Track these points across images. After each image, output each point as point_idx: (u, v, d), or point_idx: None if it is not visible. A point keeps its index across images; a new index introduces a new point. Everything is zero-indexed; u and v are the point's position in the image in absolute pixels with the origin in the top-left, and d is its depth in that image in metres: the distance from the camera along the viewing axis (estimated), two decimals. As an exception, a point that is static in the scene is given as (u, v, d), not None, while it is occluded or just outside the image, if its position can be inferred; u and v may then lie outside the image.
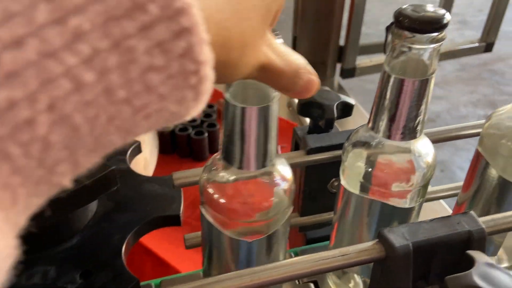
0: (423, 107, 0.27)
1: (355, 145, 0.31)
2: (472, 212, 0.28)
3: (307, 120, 0.40)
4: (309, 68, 0.22)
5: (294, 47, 1.18)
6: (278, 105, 0.25)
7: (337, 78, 1.11)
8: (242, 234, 0.28)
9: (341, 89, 1.08)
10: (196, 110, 0.14)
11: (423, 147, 0.30)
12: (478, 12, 2.19)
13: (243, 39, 0.17)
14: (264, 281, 0.26)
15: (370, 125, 0.30)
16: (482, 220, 0.28)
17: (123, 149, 0.45)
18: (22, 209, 0.12)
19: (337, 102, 0.38)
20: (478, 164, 0.34)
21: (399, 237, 0.27)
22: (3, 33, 0.10)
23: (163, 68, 0.12)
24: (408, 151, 0.30)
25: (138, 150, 0.47)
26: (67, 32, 0.11)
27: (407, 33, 0.25)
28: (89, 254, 0.35)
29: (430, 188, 0.41)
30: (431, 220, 0.28)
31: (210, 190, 0.28)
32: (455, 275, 0.25)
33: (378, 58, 1.16)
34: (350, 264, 0.27)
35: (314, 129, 0.39)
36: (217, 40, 0.15)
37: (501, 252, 0.38)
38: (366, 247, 0.27)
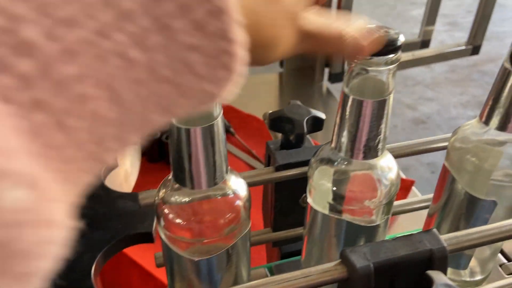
0: (382, 126, 0.27)
1: (320, 163, 0.31)
2: (435, 230, 0.28)
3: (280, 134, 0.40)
4: (352, 29, 0.23)
5: (282, 52, 1.19)
6: (222, 123, 0.25)
7: (325, 83, 1.11)
8: (200, 252, 0.28)
9: (329, 94, 1.08)
10: (229, 91, 0.15)
11: (386, 164, 0.30)
12: (467, 13, 2.20)
13: (273, 22, 0.18)
14: (225, 305, 0.26)
15: (333, 144, 0.30)
16: (444, 238, 0.28)
17: (98, 164, 0.45)
18: (72, 185, 0.13)
19: (307, 117, 0.38)
20: (446, 179, 0.34)
21: (360, 257, 0.27)
22: (62, 13, 0.11)
23: (200, 47, 0.13)
24: (371, 169, 0.30)
25: (114, 164, 0.47)
26: (115, 12, 0.12)
27: (361, 55, 0.25)
28: (56, 274, 0.34)
29: (402, 201, 0.41)
30: (394, 239, 0.28)
31: (165, 211, 0.28)
32: (412, 297, 0.25)
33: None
34: (312, 285, 0.27)
35: (285, 143, 0.39)
36: (247, 23, 0.16)
37: (474, 264, 0.38)
38: (328, 268, 0.27)
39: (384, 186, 0.30)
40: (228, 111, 0.97)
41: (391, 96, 0.26)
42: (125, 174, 0.62)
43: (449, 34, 2.06)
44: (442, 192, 0.35)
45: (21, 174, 0.11)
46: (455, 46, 1.20)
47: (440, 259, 0.27)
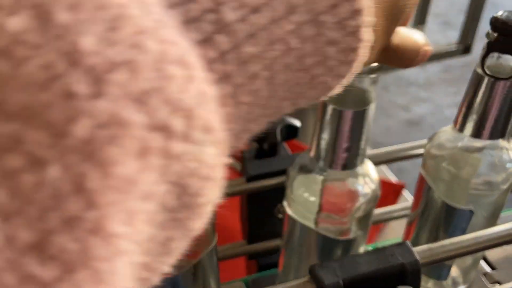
0: (363, 136, 0.26)
1: (299, 172, 0.30)
2: (407, 242, 0.27)
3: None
4: (426, 41, 0.23)
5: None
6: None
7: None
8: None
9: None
10: (339, 86, 0.16)
11: (365, 175, 0.29)
12: (460, 12, 2.20)
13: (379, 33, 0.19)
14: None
15: (311, 153, 0.29)
16: (417, 250, 0.27)
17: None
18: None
19: (281, 125, 0.37)
20: (422, 187, 0.33)
21: (329, 273, 0.26)
22: (253, 2, 0.13)
23: (338, 42, 0.14)
24: (349, 179, 0.29)
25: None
26: (286, 5, 0.13)
27: None
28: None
29: (383, 209, 0.40)
30: (366, 253, 0.27)
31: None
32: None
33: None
34: (279, 303, 0.26)
35: (260, 152, 0.38)
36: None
37: (457, 273, 0.37)
38: (296, 284, 0.26)
39: (363, 197, 0.29)
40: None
41: (373, 106, 0.26)
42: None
43: (443, 34, 2.06)
44: (419, 200, 0.34)
45: (217, 132, 0.12)
46: (446, 45, 1.19)
47: (412, 273, 0.26)
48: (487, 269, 0.38)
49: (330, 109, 0.26)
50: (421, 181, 0.33)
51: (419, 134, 1.58)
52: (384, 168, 0.88)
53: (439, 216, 0.32)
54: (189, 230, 0.13)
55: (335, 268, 0.26)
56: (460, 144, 0.30)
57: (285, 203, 0.32)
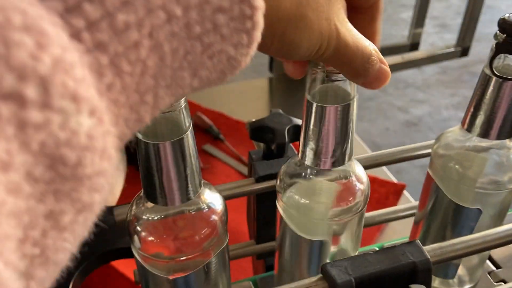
0: (348, 132, 0.27)
1: (288, 174, 0.30)
2: (417, 241, 0.28)
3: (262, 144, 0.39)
4: (381, 56, 0.22)
5: (271, 56, 1.18)
6: (193, 135, 0.25)
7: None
8: (176, 270, 0.27)
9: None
10: (245, 60, 0.16)
11: (353, 174, 0.29)
12: (456, 15, 2.21)
13: (296, 9, 0.19)
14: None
15: (299, 154, 0.29)
16: (428, 249, 0.27)
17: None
18: (119, 135, 0.14)
19: (289, 126, 0.37)
20: (430, 187, 0.33)
21: (341, 272, 0.26)
22: None
23: (228, 10, 0.14)
24: (338, 178, 0.29)
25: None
26: None
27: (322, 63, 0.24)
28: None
29: (388, 209, 0.41)
30: (376, 252, 0.27)
31: (138, 229, 0.27)
32: (394, 314, 0.24)
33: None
34: (291, 302, 0.26)
35: (267, 153, 0.38)
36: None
37: (463, 272, 0.37)
38: (308, 283, 0.26)
39: (352, 196, 0.29)
40: (218, 117, 0.96)
41: (355, 100, 0.26)
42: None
43: (439, 36, 2.07)
44: (427, 200, 0.34)
45: (88, 100, 0.12)
46: (445, 48, 1.20)
47: (424, 272, 0.26)
48: (492, 267, 0.39)
49: (313, 106, 0.26)
50: (429, 180, 0.33)
51: (417, 135, 1.59)
52: (384, 168, 0.88)
53: (447, 215, 0.33)
54: (80, 203, 0.12)
55: (346, 267, 0.27)
56: (467, 144, 0.31)
57: (277, 205, 0.32)
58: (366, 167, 0.36)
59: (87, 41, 0.12)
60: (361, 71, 0.22)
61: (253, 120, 0.39)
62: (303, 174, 0.29)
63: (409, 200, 0.73)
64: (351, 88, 0.25)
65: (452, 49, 1.19)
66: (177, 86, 0.15)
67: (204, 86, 0.16)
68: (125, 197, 0.67)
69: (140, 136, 0.24)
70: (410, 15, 1.21)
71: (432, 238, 0.35)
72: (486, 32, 2.08)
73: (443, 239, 0.34)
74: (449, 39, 2.00)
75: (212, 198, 0.28)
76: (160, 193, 0.25)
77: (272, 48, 0.19)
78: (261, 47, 0.19)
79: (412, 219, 0.71)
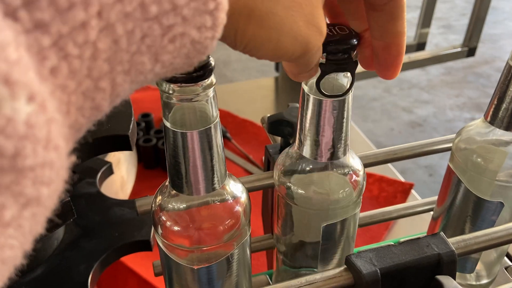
0: (344, 125, 0.27)
1: (286, 166, 0.30)
2: (442, 233, 0.28)
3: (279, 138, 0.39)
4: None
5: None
6: (220, 126, 0.25)
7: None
8: (199, 260, 0.27)
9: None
10: (211, 44, 0.15)
11: (349, 166, 0.29)
12: (461, 16, 2.21)
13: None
14: (227, 315, 0.25)
15: (296, 146, 0.29)
16: (452, 241, 0.27)
17: (93, 172, 0.44)
18: (72, 124, 0.13)
19: (307, 120, 0.37)
20: (450, 180, 0.33)
21: (366, 263, 0.26)
22: None
23: None
24: (334, 169, 0.29)
25: (109, 171, 0.46)
26: None
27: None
28: (53, 286, 0.33)
29: (407, 203, 0.41)
30: (400, 243, 0.27)
31: (162, 219, 0.27)
32: (422, 303, 0.24)
33: (362, 65, 1.16)
34: (317, 292, 0.26)
35: (285, 147, 0.38)
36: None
37: (480, 267, 0.37)
38: (333, 274, 0.26)
39: (348, 188, 0.29)
40: (225, 116, 0.96)
41: (351, 94, 0.26)
42: (121, 181, 0.61)
43: (443, 37, 2.07)
44: (446, 194, 0.34)
45: (25, 85, 0.11)
46: (451, 48, 1.20)
47: (449, 264, 0.26)
48: (509, 263, 0.39)
49: (310, 99, 0.26)
50: (449, 174, 0.33)
51: (421, 135, 1.59)
52: (392, 167, 0.88)
53: (467, 209, 0.33)
54: (24, 197, 0.11)
55: (371, 258, 0.27)
56: (490, 137, 0.31)
57: (275, 197, 0.32)
58: (384, 161, 0.36)
59: (25, 20, 0.11)
60: (306, 75, 0.22)
61: (270, 114, 0.39)
62: (300, 166, 0.29)
63: (416, 199, 0.74)
64: (348, 80, 0.25)
65: (458, 49, 1.19)
66: (137, 72, 0.14)
67: (169, 72, 0.15)
68: (133, 194, 0.67)
69: (168, 124, 0.24)
70: (414, 16, 1.21)
71: (451, 234, 0.35)
72: (491, 33, 2.08)
73: (463, 234, 0.34)
74: (454, 40, 2.01)
75: (236, 189, 0.28)
76: (186, 183, 0.25)
77: (237, 43, 0.18)
78: (226, 40, 0.18)
79: (420, 217, 0.70)
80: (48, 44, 0.11)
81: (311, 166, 0.29)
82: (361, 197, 0.30)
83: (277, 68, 1.21)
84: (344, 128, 0.27)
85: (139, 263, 0.65)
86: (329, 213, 0.29)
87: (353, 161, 0.29)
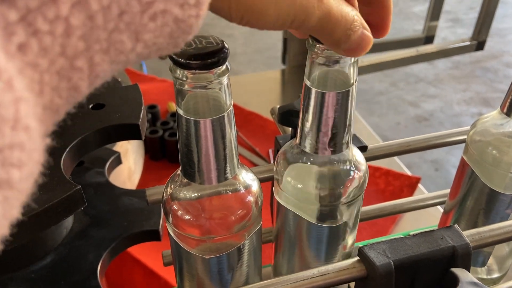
0: (348, 118, 0.26)
1: (286, 160, 0.29)
2: (456, 226, 0.27)
3: (290, 128, 0.39)
4: (363, 22, 0.21)
5: (285, 48, 1.18)
6: (233, 114, 0.24)
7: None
8: (210, 250, 0.27)
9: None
10: (196, 23, 0.15)
11: (352, 160, 0.28)
12: (469, 9, 2.19)
13: None
14: (239, 305, 0.25)
15: (297, 139, 0.28)
16: (466, 234, 0.27)
17: (102, 161, 0.44)
18: (47, 105, 0.12)
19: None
20: (464, 173, 0.33)
21: (380, 254, 0.26)
22: None
23: None
24: (336, 164, 0.28)
25: (117, 161, 0.46)
26: None
27: (321, 46, 0.23)
28: (63, 274, 0.33)
29: (418, 196, 0.40)
30: (414, 236, 0.27)
31: (174, 208, 0.27)
32: (438, 296, 0.23)
33: (370, 59, 1.15)
34: (329, 284, 0.26)
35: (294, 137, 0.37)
36: None
37: (491, 261, 0.37)
38: (346, 265, 0.26)
39: (350, 182, 0.28)
40: (231, 108, 0.96)
41: (354, 87, 0.25)
42: (128, 172, 0.61)
43: (451, 30, 2.05)
44: (459, 187, 0.34)
45: None
46: (460, 42, 1.19)
47: (464, 256, 0.26)
48: (521, 258, 0.38)
49: (312, 92, 0.26)
50: (463, 167, 0.33)
51: (428, 130, 1.58)
52: (399, 161, 0.88)
53: (481, 202, 0.32)
54: None
55: (384, 250, 0.26)
56: (506, 129, 0.30)
57: (274, 192, 0.31)
58: (397, 153, 0.36)
59: None
60: (343, 38, 0.20)
61: (279, 105, 0.39)
62: (301, 160, 0.28)
63: (423, 193, 0.73)
64: (351, 73, 0.25)
65: (467, 43, 1.18)
66: (117, 52, 0.13)
67: (153, 52, 0.15)
68: (140, 185, 0.67)
69: (181, 112, 0.24)
70: (422, 9, 1.20)
71: (463, 227, 0.35)
72: (499, 27, 2.06)
73: (476, 227, 0.33)
74: (462, 34, 1.99)
75: (248, 180, 0.28)
76: (198, 171, 0.25)
77: (232, 14, 0.18)
78: (220, 13, 0.17)
79: (427, 212, 0.70)
80: (15, 18, 0.11)
81: (312, 159, 0.28)
82: (363, 191, 0.30)
83: (283, 60, 1.21)
84: (346, 122, 0.26)
85: (146, 254, 0.65)
86: (331, 208, 0.29)
87: (355, 155, 0.29)
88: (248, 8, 0.17)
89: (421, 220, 0.72)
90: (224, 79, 0.23)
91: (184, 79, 0.22)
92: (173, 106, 0.93)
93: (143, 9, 0.13)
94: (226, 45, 0.22)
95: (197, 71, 0.22)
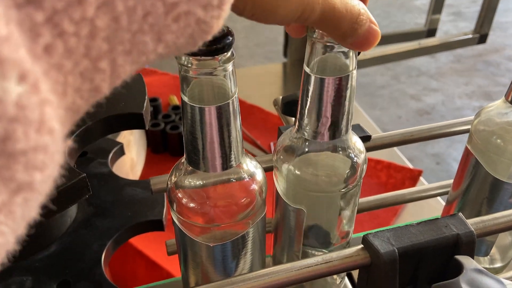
0: (347, 104, 0.26)
1: (285, 147, 0.29)
2: (460, 214, 0.27)
3: (293, 119, 0.39)
4: (370, 15, 0.21)
5: (286, 41, 1.17)
6: (238, 101, 0.24)
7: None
8: (214, 238, 0.27)
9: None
10: (217, 23, 0.15)
11: (351, 148, 0.28)
12: (471, 3, 2.18)
13: None
14: (243, 292, 0.25)
15: (296, 127, 0.28)
16: (471, 222, 0.27)
17: (105, 152, 0.44)
18: (69, 106, 0.12)
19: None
20: (468, 162, 0.33)
21: (384, 242, 0.26)
22: None
23: None
24: (335, 151, 0.28)
25: (120, 152, 0.46)
26: None
27: (321, 32, 0.24)
28: (67, 263, 0.33)
29: (421, 187, 0.40)
30: (418, 223, 0.27)
31: (178, 196, 0.27)
32: (442, 283, 0.23)
33: (371, 52, 1.15)
34: (333, 271, 0.26)
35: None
36: None
37: (494, 251, 0.37)
38: (350, 253, 0.26)
39: (352, 168, 0.28)
40: (233, 101, 0.96)
41: (354, 73, 0.25)
42: (131, 163, 0.61)
43: (453, 24, 2.04)
44: (463, 177, 0.34)
45: (16, 63, 0.10)
46: (462, 35, 1.19)
47: (468, 244, 0.26)
48: (524, 247, 0.38)
49: (312, 78, 0.25)
50: (467, 156, 0.33)
51: (429, 123, 1.57)
52: (400, 154, 0.88)
53: (485, 191, 0.32)
54: (15, 182, 0.11)
55: (388, 238, 0.26)
56: (510, 117, 0.30)
57: (274, 180, 0.31)
58: (400, 143, 0.36)
59: None
60: (349, 32, 0.21)
61: (283, 95, 0.39)
62: (301, 146, 0.28)
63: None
64: (351, 59, 0.25)
65: (470, 36, 1.17)
66: (139, 53, 0.13)
67: (172, 52, 0.15)
68: (142, 178, 0.67)
69: (185, 99, 0.24)
70: (424, 2, 1.20)
71: (467, 216, 0.35)
72: (501, 21, 2.05)
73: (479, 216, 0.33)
74: (464, 27, 1.98)
75: (252, 168, 0.28)
76: (203, 159, 0.25)
77: (246, 12, 0.18)
78: (234, 10, 0.18)
79: (429, 204, 0.70)
80: (41, 20, 0.11)
81: (310, 147, 0.28)
82: (361, 179, 0.30)
83: (285, 54, 1.20)
84: (345, 108, 0.26)
85: (148, 246, 0.66)
86: (329, 195, 0.29)
87: (355, 142, 0.29)
88: (261, 6, 0.18)
89: (422, 212, 0.72)
90: (229, 66, 0.23)
91: (189, 65, 0.22)
92: (174, 99, 0.93)
93: (167, 10, 0.13)
94: (231, 31, 0.22)
95: (202, 58, 0.21)
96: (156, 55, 0.14)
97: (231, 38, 0.22)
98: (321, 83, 0.25)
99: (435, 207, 0.72)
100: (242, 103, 0.99)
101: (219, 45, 0.21)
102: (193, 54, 0.21)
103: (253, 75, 1.15)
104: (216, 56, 0.22)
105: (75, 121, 0.13)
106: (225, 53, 0.22)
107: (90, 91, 0.13)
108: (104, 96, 0.14)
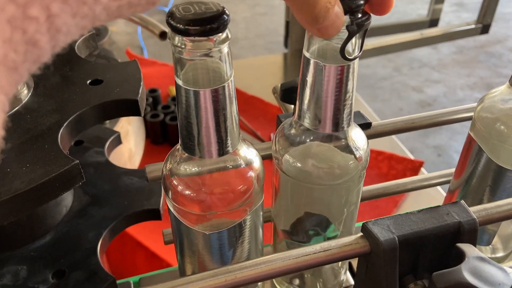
0: (349, 94, 0.25)
1: (285, 137, 0.29)
2: (462, 201, 0.27)
3: (292, 106, 0.38)
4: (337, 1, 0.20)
5: (287, 31, 1.16)
6: (233, 85, 0.23)
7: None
8: (211, 226, 0.27)
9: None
10: None
11: (353, 140, 0.28)
12: (474, -7, 2.15)
13: None
14: (240, 280, 0.24)
15: (295, 116, 0.27)
16: (473, 210, 0.26)
17: (101, 141, 0.43)
18: (1, 60, 0.11)
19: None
20: (471, 150, 0.32)
21: (384, 230, 0.25)
22: None
23: None
24: (338, 141, 0.27)
25: (117, 141, 0.45)
26: None
27: None
28: (62, 252, 0.33)
29: (423, 175, 0.39)
30: (419, 211, 0.26)
31: (174, 183, 0.26)
32: (443, 271, 0.23)
33: (373, 42, 1.14)
34: (332, 260, 0.25)
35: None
36: None
37: (496, 240, 0.36)
38: (349, 241, 0.26)
39: (351, 162, 0.28)
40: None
41: (356, 61, 0.24)
42: (129, 153, 0.60)
43: (456, 15, 2.02)
44: (465, 164, 0.33)
45: None
46: (464, 25, 1.17)
47: (470, 232, 0.25)
48: (527, 237, 0.38)
49: (311, 64, 0.24)
50: (470, 143, 0.32)
51: (431, 115, 1.56)
52: (401, 145, 0.87)
53: (487, 179, 0.32)
54: None
55: (388, 225, 0.26)
56: (514, 103, 0.29)
57: (274, 170, 0.30)
58: (401, 131, 0.35)
59: None
60: (322, 13, 0.20)
61: (282, 82, 0.38)
62: (300, 137, 0.28)
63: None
64: (353, 46, 0.24)
65: (472, 26, 1.16)
66: (78, 1, 0.12)
67: (124, 7, 0.13)
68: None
69: (180, 82, 0.23)
70: (426, -7, 1.18)
71: (469, 204, 0.34)
72: (503, 11, 2.03)
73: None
74: (466, 18, 1.96)
75: (250, 155, 0.27)
76: (198, 144, 0.24)
77: None
78: None
79: (430, 195, 0.69)
80: None
81: (312, 138, 0.27)
82: (365, 171, 0.29)
83: (286, 44, 1.19)
84: (347, 97, 0.25)
85: (147, 236, 0.65)
86: (331, 187, 0.28)
87: (357, 132, 0.28)
88: None
89: (423, 203, 0.71)
90: (224, 47, 0.22)
91: (183, 46, 0.21)
92: (174, 90, 0.92)
93: None
94: (226, 11, 0.21)
95: (196, 38, 0.21)
96: (102, 7, 0.13)
97: (226, 18, 0.21)
98: (321, 69, 0.24)
99: (437, 198, 0.71)
100: (242, 94, 0.98)
101: (213, 24, 0.20)
102: (187, 34, 0.21)
103: (254, 66, 1.14)
104: (210, 37, 0.21)
105: (16, 81, 0.12)
106: (220, 34, 0.21)
107: (25, 44, 0.11)
108: (48, 54, 0.12)
